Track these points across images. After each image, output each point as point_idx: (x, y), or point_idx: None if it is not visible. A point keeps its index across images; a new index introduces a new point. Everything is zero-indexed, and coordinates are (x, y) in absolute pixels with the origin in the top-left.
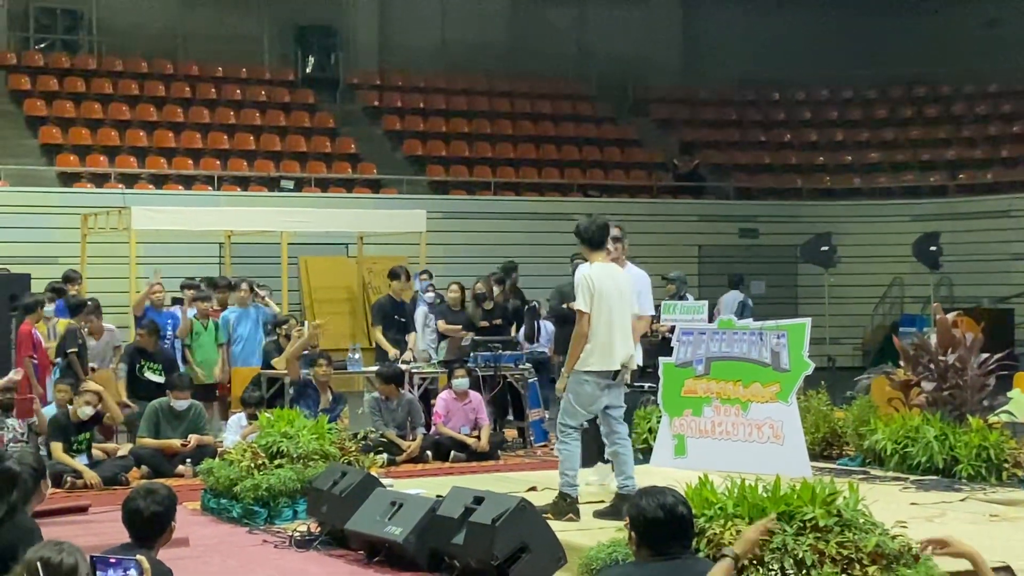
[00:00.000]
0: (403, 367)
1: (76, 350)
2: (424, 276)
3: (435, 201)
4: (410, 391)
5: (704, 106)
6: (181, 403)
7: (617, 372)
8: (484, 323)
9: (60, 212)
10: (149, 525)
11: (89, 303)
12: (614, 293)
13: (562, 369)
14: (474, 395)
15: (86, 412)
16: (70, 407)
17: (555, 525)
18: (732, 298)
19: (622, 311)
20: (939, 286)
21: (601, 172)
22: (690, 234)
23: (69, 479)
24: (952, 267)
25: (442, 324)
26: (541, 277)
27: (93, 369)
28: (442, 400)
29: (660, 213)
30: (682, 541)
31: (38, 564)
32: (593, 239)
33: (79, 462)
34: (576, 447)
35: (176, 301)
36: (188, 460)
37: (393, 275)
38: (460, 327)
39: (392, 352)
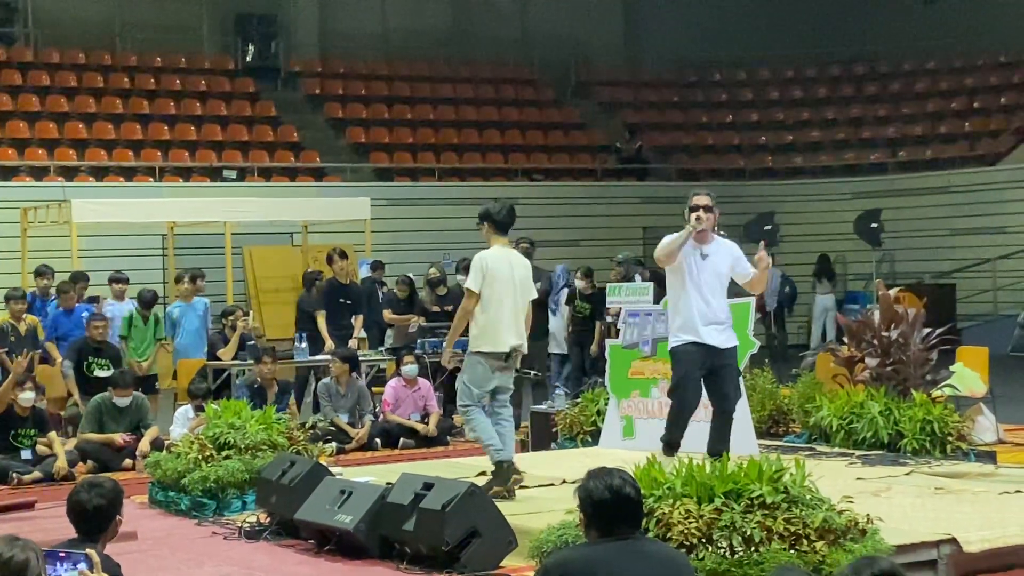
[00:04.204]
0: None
1: (6, 348)
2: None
3: (379, 188)
4: (358, 378)
5: (646, 88)
6: (123, 400)
7: (508, 355)
8: (436, 308)
9: None
10: (93, 518)
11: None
12: (508, 279)
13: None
14: (423, 382)
15: (27, 397)
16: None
17: (505, 509)
18: (771, 274)
19: (514, 297)
20: (881, 263)
21: (545, 156)
22: (635, 216)
23: (15, 475)
24: (894, 243)
25: (388, 313)
26: None
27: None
28: (391, 388)
29: (604, 196)
30: (631, 522)
31: None
32: (502, 222)
33: (23, 457)
34: (483, 418)
35: (92, 299)
36: (136, 451)
37: (329, 259)
38: (410, 316)
39: (328, 343)
